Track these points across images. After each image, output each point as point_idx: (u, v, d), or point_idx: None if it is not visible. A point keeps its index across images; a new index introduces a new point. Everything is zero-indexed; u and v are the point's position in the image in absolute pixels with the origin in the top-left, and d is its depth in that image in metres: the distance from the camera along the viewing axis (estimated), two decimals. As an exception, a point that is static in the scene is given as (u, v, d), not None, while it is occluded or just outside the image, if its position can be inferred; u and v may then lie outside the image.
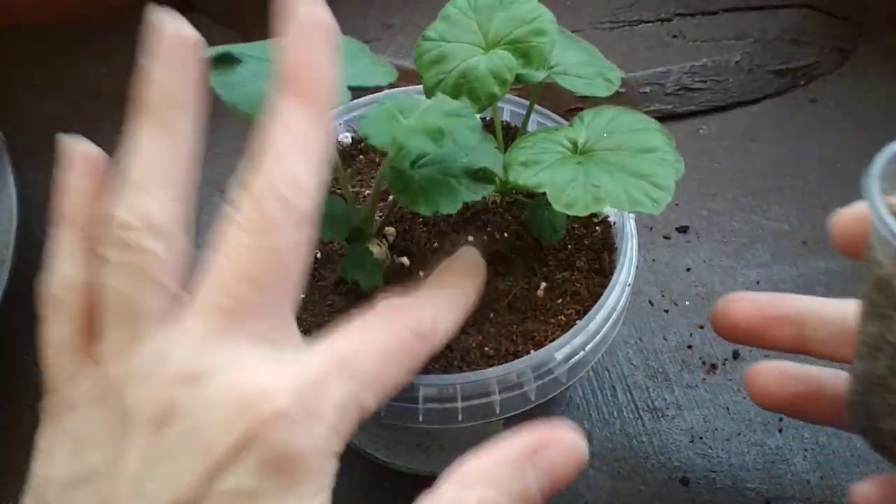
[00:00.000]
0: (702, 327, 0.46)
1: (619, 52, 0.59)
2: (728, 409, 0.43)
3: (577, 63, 0.33)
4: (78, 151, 0.27)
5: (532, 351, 0.31)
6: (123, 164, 0.25)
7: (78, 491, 0.23)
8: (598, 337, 0.31)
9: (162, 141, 0.25)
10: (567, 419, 0.42)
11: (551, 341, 0.31)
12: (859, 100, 0.58)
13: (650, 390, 0.44)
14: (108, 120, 0.58)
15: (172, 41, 0.26)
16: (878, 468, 0.40)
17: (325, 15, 0.25)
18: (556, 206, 0.28)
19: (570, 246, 0.35)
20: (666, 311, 0.47)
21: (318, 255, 0.35)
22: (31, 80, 0.60)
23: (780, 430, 0.42)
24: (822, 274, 0.48)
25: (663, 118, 0.57)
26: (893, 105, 0.58)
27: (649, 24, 0.62)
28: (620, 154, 0.30)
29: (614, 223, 0.36)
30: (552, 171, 0.29)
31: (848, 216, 0.31)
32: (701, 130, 0.57)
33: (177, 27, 0.26)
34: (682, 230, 0.51)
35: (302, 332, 0.31)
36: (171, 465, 0.21)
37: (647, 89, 0.57)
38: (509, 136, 0.38)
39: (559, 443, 0.25)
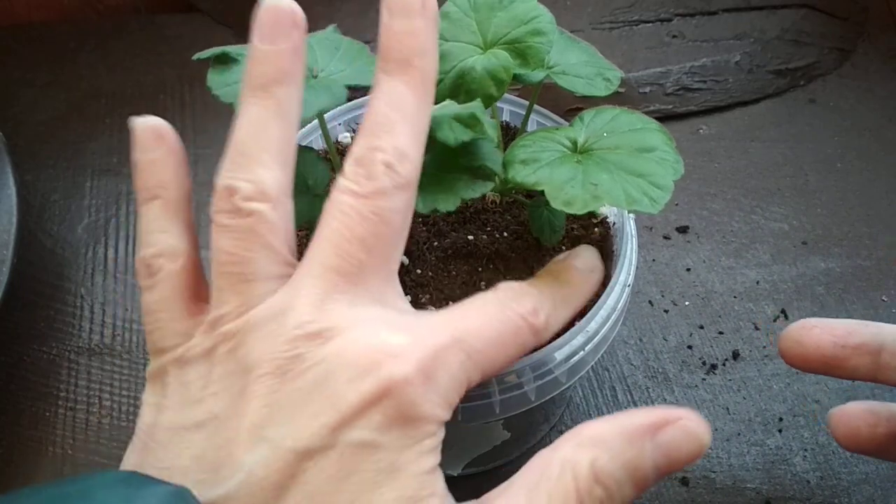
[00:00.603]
0: (702, 327, 0.46)
1: (619, 52, 0.59)
2: (728, 409, 0.43)
3: (577, 63, 0.33)
4: (150, 126, 0.28)
5: (530, 351, 0.31)
6: (232, 134, 0.26)
7: (192, 434, 0.24)
8: (598, 337, 0.31)
9: (269, 112, 0.26)
10: (565, 421, 0.42)
11: (550, 342, 0.31)
12: (859, 100, 0.58)
13: (650, 390, 0.44)
14: (108, 120, 0.58)
15: (275, 15, 0.26)
16: (878, 468, 0.40)
17: None
18: (555, 204, 0.28)
19: (569, 246, 0.35)
20: (666, 311, 0.47)
21: None
22: (29, 81, 0.60)
23: (779, 431, 0.42)
24: (821, 274, 0.48)
25: (663, 118, 0.57)
26: (893, 105, 0.58)
27: (649, 25, 0.62)
28: (619, 153, 0.30)
29: (614, 224, 0.36)
30: (551, 169, 0.29)
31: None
32: (701, 130, 0.58)
33: (279, 3, 0.26)
34: (682, 230, 0.51)
35: None
36: (297, 414, 0.22)
37: (647, 89, 0.57)
38: (509, 136, 0.38)
39: (682, 424, 0.25)
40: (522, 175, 0.29)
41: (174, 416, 0.24)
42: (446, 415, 0.24)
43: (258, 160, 0.25)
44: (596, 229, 0.36)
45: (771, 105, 0.58)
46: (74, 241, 0.51)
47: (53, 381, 0.44)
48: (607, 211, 0.36)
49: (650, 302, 0.47)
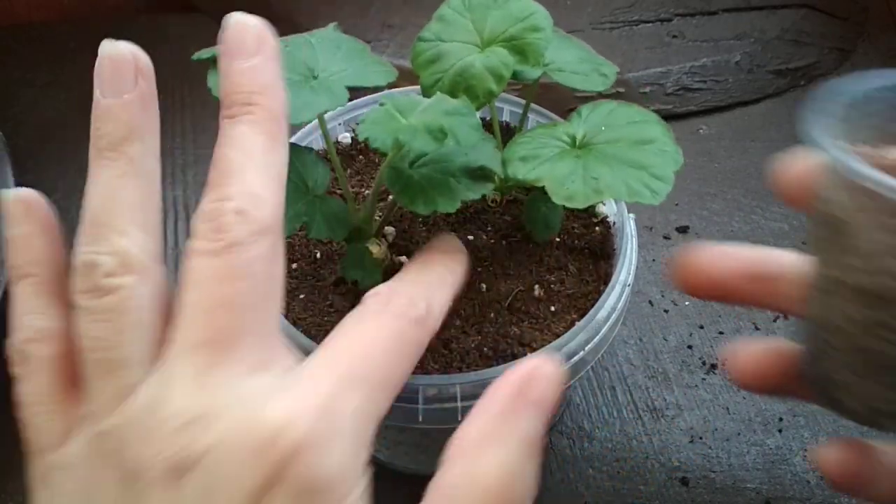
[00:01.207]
0: (702, 327, 0.46)
1: (619, 52, 0.59)
2: (728, 409, 0.43)
3: (573, 60, 0.34)
4: (20, 200, 0.26)
5: (529, 352, 0.31)
6: (84, 204, 0.24)
7: None
8: (597, 337, 0.31)
9: (121, 173, 0.24)
10: (565, 421, 0.42)
11: (549, 343, 0.31)
12: (859, 100, 0.58)
13: (650, 390, 0.44)
14: (107, 120, 0.58)
15: (115, 63, 0.24)
16: (878, 468, 0.40)
17: (254, 22, 0.25)
18: (556, 199, 0.28)
19: (569, 245, 0.35)
20: (666, 311, 0.47)
21: (318, 256, 0.35)
22: (29, 81, 0.60)
23: (779, 431, 0.42)
24: (821, 274, 0.48)
25: (663, 118, 0.56)
26: (893, 105, 0.58)
27: (649, 25, 0.62)
28: (618, 146, 0.30)
29: (614, 223, 0.36)
30: (551, 164, 0.29)
31: (793, 165, 0.29)
32: (701, 130, 0.58)
33: (116, 50, 0.24)
34: (682, 230, 0.51)
35: (302, 332, 0.31)
36: None
37: (647, 89, 0.57)
38: (508, 135, 0.38)
39: (540, 374, 0.24)
40: (523, 172, 0.29)
41: None
42: (363, 456, 0.23)
43: (116, 228, 0.23)
44: (597, 228, 0.36)
45: (771, 105, 0.58)
46: (74, 241, 0.51)
47: (53, 381, 0.44)
48: (607, 210, 0.36)
49: (650, 302, 0.47)
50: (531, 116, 0.38)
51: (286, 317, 0.33)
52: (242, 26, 0.25)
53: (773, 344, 0.29)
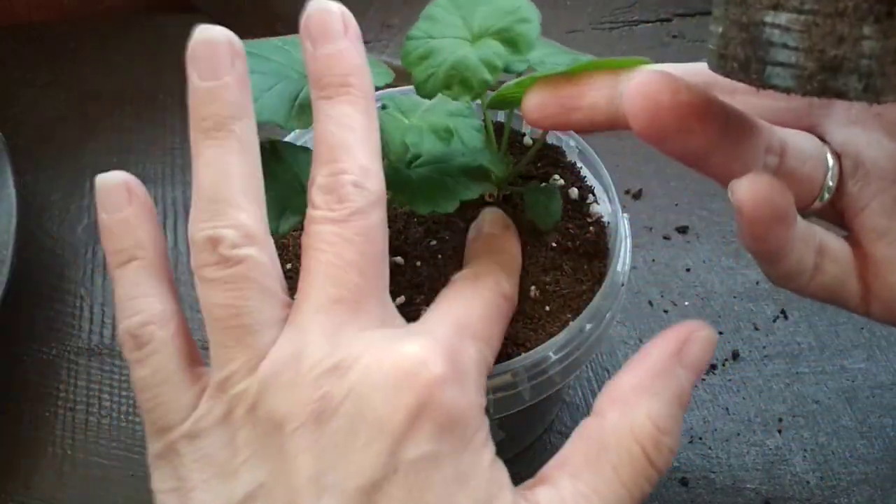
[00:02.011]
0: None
1: (619, 52, 0.59)
2: (727, 409, 0.43)
3: (551, 53, 0.34)
4: (122, 183, 0.27)
5: (523, 352, 0.31)
6: (196, 181, 0.25)
7: None
8: (592, 338, 0.31)
9: (230, 150, 0.25)
10: (564, 421, 0.42)
11: (543, 342, 0.31)
12: (859, 100, 0.58)
13: (650, 391, 0.44)
14: (108, 120, 0.58)
15: (212, 47, 0.25)
16: (878, 469, 0.40)
17: (336, 7, 0.26)
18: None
19: (563, 246, 0.35)
20: (665, 311, 0.47)
21: None
22: (31, 80, 0.60)
23: (779, 431, 0.42)
24: (821, 274, 0.48)
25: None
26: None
27: (649, 25, 0.62)
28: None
29: (608, 223, 0.36)
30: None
31: None
32: (701, 131, 0.57)
33: (210, 34, 0.26)
34: (682, 230, 0.51)
35: None
36: (348, 452, 0.22)
37: (647, 89, 0.57)
38: (500, 134, 0.38)
39: (696, 337, 0.26)
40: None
41: (207, 496, 0.23)
42: (483, 399, 0.24)
43: (233, 203, 0.24)
44: (591, 228, 0.36)
45: (771, 105, 0.58)
46: (74, 241, 0.51)
47: (53, 382, 0.44)
48: (601, 210, 0.36)
49: (650, 302, 0.47)
50: (517, 112, 0.38)
51: None
52: (326, 12, 0.26)
53: (661, 72, 0.26)
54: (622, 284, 0.33)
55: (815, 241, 0.27)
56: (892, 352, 0.45)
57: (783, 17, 0.22)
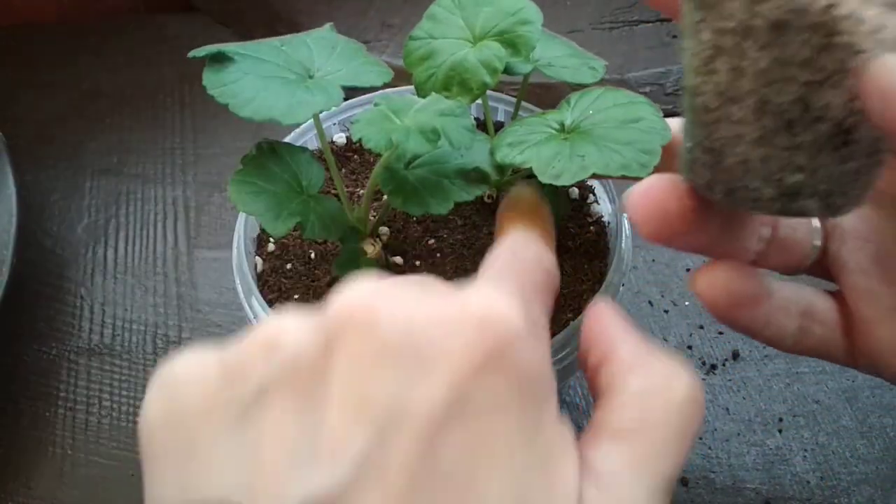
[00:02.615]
0: (701, 328, 0.46)
1: (619, 52, 0.59)
2: (728, 409, 0.43)
3: (561, 55, 0.34)
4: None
5: None
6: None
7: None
8: None
9: None
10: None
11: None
12: (859, 100, 0.58)
13: (650, 390, 0.44)
14: (108, 120, 0.58)
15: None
16: (878, 469, 0.40)
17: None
18: (543, 178, 0.28)
19: (564, 246, 0.35)
20: (666, 311, 0.47)
21: (313, 256, 0.35)
22: (31, 80, 0.60)
23: (779, 431, 0.42)
24: (821, 274, 0.48)
25: (663, 118, 0.56)
26: (893, 105, 0.58)
27: (649, 25, 0.62)
28: (605, 127, 0.30)
29: (609, 223, 0.36)
30: (538, 148, 0.29)
31: None
32: (701, 130, 0.57)
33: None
34: (682, 230, 0.51)
35: None
36: (418, 385, 0.20)
37: (647, 89, 0.57)
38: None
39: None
40: (510, 156, 0.29)
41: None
42: (551, 362, 0.24)
43: None
44: (591, 228, 0.36)
45: (771, 105, 0.58)
46: (74, 241, 0.51)
47: (53, 381, 0.44)
48: (602, 210, 0.36)
49: (650, 302, 0.47)
50: (523, 114, 0.38)
51: None
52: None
53: (665, 178, 0.26)
54: (622, 284, 0.33)
55: (801, 305, 0.28)
56: (892, 352, 0.45)
57: (743, 148, 0.23)
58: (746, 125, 0.22)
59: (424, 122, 0.28)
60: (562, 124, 0.31)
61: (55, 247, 0.51)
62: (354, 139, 0.30)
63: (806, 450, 0.41)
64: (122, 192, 0.54)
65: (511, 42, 0.31)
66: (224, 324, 0.46)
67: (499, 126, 0.39)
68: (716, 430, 0.42)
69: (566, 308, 0.33)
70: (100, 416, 0.43)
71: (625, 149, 0.28)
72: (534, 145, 0.29)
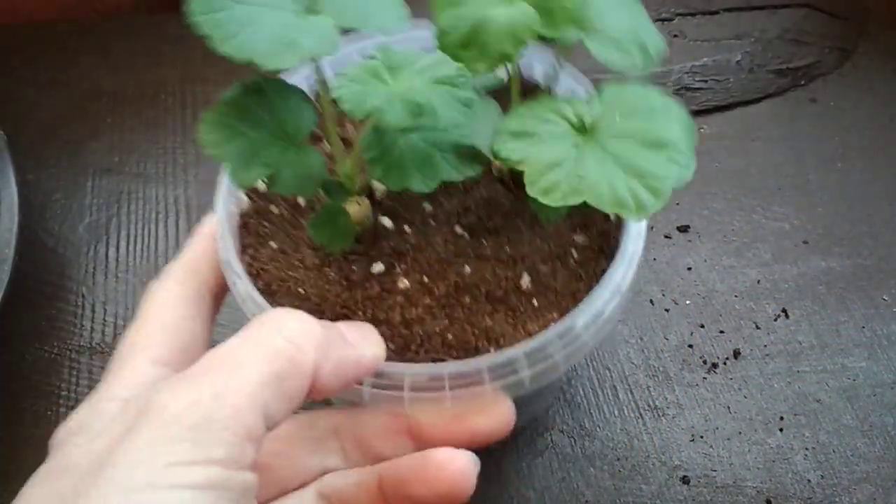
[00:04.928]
0: (703, 326, 0.46)
1: (619, 51, 0.59)
2: (729, 408, 0.43)
3: (617, 27, 0.29)
4: None
5: (495, 348, 0.28)
6: None
7: None
8: (574, 345, 0.28)
9: None
10: (566, 419, 0.42)
11: (519, 341, 0.28)
12: (859, 100, 0.58)
13: (651, 389, 0.44)
14: (109, 119, 0.58)
15: None
16: (878, 467, 0.40)
17: None
18: (532, 190, 0.25)
19: (571, 237, 0.32)
20: (667, 310, 0.47)
21: (302, 202, 0.32)
22: (31, 80, 0.60)
23: (780, 430, 0.42)
24: (822, 273, 0.48)
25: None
26: (893, 105, 0.58)
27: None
28: (626, 143, 0.26)
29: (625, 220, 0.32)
30: (541, 147, 0.26)
31: None
32: (701, 130, 0.58)
33: None
34: (683, 229, 0.51)
35: (262, 286, 0.30)
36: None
37: (648, 89, 0.57)
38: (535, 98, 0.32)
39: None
40: (507, 150, 0.26)
41: None
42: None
43: None
44: (611, 218, 0.33)
45: (772, 104, 0.58)
46: (76, 240, 0.51)
47: (55, 380, 0.44)
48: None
49: (651, 301, 0.47)
50: (563, 79, 0.34)
51: (251, 266, 0.30)
52: None
53: None
54: (621, 291, 0.29)
55: None
56: (893, 351, 0.45)
57: None
58: None
59: (413, 90, 0.25)
60: (581, 121, 0.27)
61: (56, 246, 0.51)
62: (333, 96, 0.26)
63: (807, 448, 0.41)
64: (124, 192, 0.54)
65: (548, 9, 0.27)
66: (225, 322, 0.46)
67: (534, 88, 0.35)
68: (717, 428, 0.42)
69: (554, 307, 0.30)
70: (101, 415, 0.43)
71: (633, 181, 0.25)
72: (539, 142, 0.26)
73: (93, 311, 0.48)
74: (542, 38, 0.28)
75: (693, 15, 0.63)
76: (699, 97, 0.58)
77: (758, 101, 0.59)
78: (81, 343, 0.46)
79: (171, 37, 0.63)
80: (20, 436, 0.42)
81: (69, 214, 0.52)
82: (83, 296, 0.48)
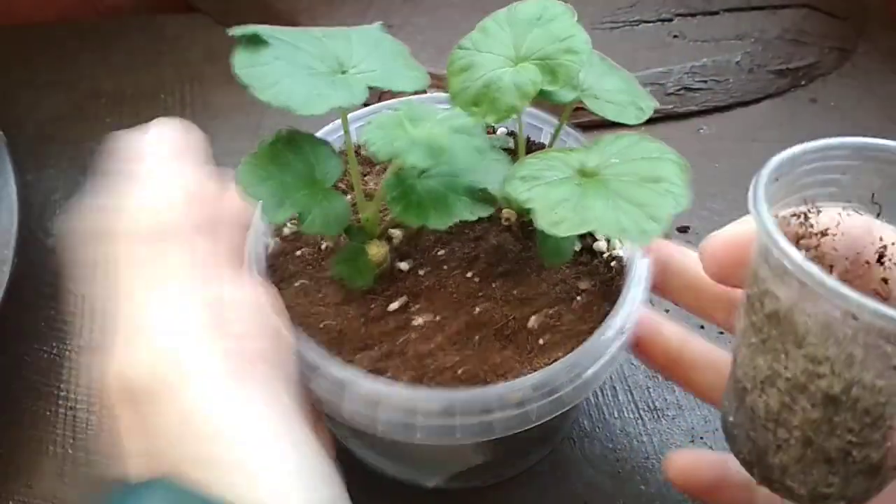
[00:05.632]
0: (702, 327, 0.46)
1: (619, 52, 0.59)
2: (728, 408, 0.43)
3: (612, 90, 0.33)
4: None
5: (502, 382, 0.30)
6: None
7: None
8: (577, 382, 0.30)
9: None
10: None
11: (525, 375, 0.30)
12: (859, 100, 0.58)
13: (651, 390, 0.44)
14: (108, 119, 0.58)
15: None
16: (879, 468, 0.40)
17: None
18: (540, 224, 0.27)
19: (577, 282, 0.34)
20: (667, 310, 0.47)
21: (324, 246, 0.35)
22: (31, 80, 0.60)
23: (780, 430, 0.42)
24: (822, 274, 0.48)
25: (664, 118, 0.57)
26: (893, 105, 0.58)
27: (650, 24, 0.62)
28: (624, 181, 0.29)
29: (626, 259, 0.35)
30: (547, 188, 0.29)
31: (723, 243, 0.31)
32: (701, 130, 0.58)
33: None
34: (683, 230, 0.51)
35: (292, 317, 0.31)
36: None
37: (648, 89, 0.57)
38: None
39: None
40: (517, 191, 0.29)
41: None
42: None
43: None
44: (612, 264, 0.35)
45: (772, 105, 0.58)
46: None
47: (54, 381, 0.44)
48: (623, 252, 0.35)
49: (651, 302, 0.47)
50: (564, 139, 0.37)
51: (284, 299, 0.33)
52: None
53: (706, 453, 0.34)
54: (623, 332, 0.31)
55: None
56: (892, 351, 0.45)
57: (784, 458, 0.26)
58: (791, 447, 0.25)
59: (434, 136, 0.28)
60: (583, 166, 0.30)
61: (56, 245, 0.51)
62: (360, 141, 0.30)
63: (807, 449, 0.41)
64: (123, 192, 0.54)
65: (551, 69, 0.31)
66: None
67: (539, 147, 0.38)
68: (717, 429, 0.42)
69: (559, 347, 0.31)
70: (100, 416, 0.43)
71: (634, 210, 0.28)
72: (545, 184, 0.29)
73: (92, 311, 0.48)
74: (544, 96, 0.31)
75: (693, 15, 0.63)
76: (699, 97, 0.58)
77: (758, 101, 0.59)
78: (81, 343, 0.46)
79: (170, 37, 0.63)
80: (20, 436, 0.42)
81: (69, 215, 0.52)
82: (83, 296, 0.48)
